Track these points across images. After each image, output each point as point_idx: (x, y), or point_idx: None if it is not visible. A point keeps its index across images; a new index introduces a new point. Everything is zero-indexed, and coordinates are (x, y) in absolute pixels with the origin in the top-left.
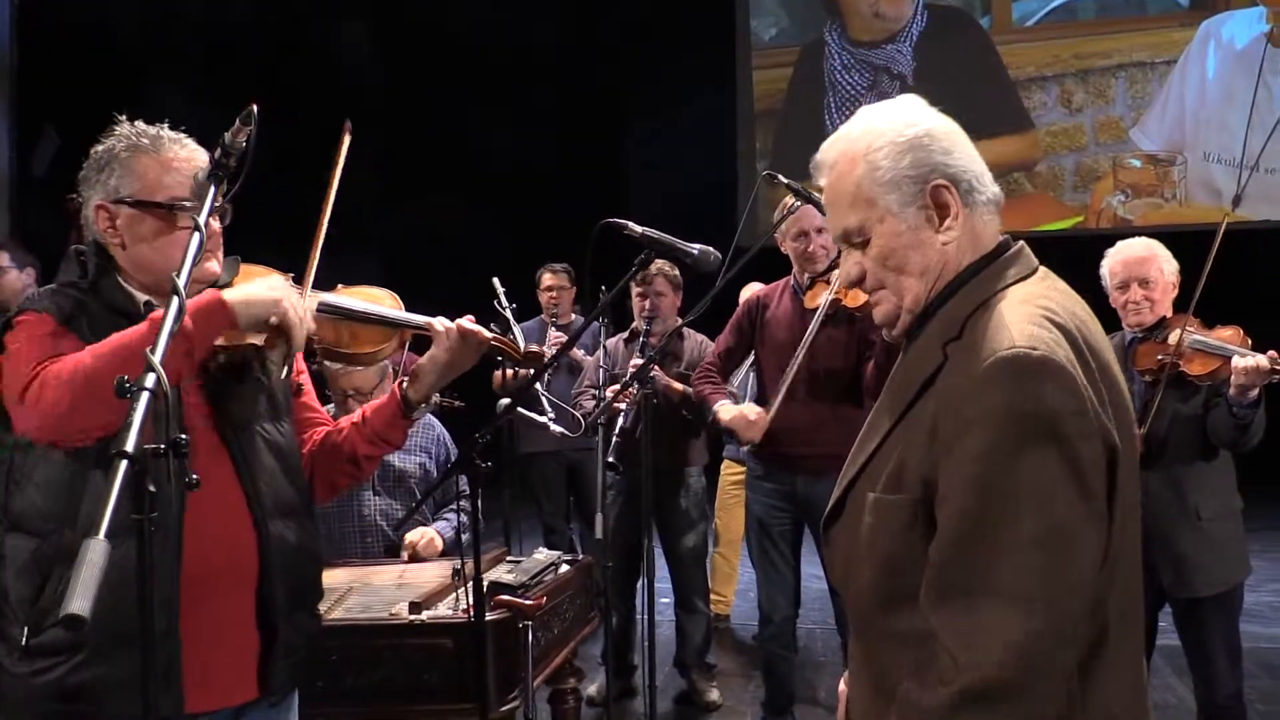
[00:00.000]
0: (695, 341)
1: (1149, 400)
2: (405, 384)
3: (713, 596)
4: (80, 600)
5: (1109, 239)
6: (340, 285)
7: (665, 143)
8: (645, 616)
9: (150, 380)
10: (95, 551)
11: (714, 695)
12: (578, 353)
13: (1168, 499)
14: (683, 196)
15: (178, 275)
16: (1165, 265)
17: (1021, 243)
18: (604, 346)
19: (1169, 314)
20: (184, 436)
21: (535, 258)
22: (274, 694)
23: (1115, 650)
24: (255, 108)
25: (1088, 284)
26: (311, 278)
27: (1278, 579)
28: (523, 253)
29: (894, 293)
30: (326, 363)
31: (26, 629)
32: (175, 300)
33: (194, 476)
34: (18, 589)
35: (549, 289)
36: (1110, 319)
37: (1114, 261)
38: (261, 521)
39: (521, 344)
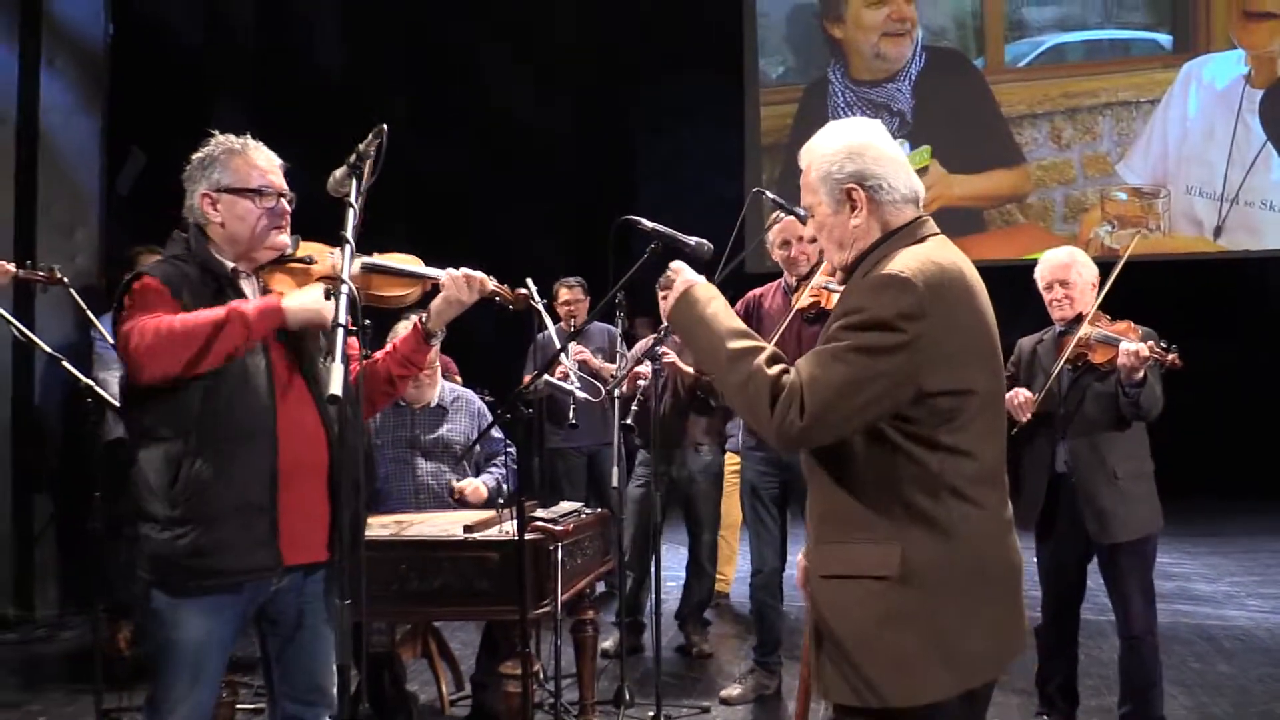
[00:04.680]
0: None
1: (1074, 381)
2: (424, 319)
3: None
4: (336, 387)
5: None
6: (375, 252)
7: (677, 174)
8: (653, 590)
9: (345, 289)
10: (337, 368)
11: (705, 646)
12: (587, 355)
13: (1091, 461)
14: (692, 226)
15: (344, 232)
16: (1083, 270)
17: (925, 217)
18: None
19: (1087, 312)
20: (369, 322)
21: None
22: (335, 556)
23: (987, 499)
24: (385, 126)
25: None
26: (351, 247)
27: (1234, 573)
28: (550, 272)
29: (828, 255)
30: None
31: (168, 505)
32: (347, 249)
33: (371, 352)
34: (157, 480)
35: (565, 302)
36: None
37: (1042, 267)
38: (329, 427)
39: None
